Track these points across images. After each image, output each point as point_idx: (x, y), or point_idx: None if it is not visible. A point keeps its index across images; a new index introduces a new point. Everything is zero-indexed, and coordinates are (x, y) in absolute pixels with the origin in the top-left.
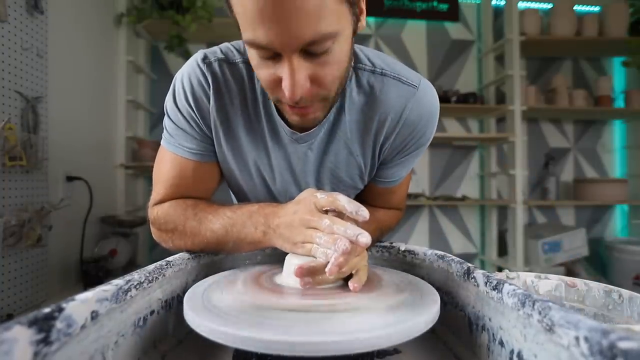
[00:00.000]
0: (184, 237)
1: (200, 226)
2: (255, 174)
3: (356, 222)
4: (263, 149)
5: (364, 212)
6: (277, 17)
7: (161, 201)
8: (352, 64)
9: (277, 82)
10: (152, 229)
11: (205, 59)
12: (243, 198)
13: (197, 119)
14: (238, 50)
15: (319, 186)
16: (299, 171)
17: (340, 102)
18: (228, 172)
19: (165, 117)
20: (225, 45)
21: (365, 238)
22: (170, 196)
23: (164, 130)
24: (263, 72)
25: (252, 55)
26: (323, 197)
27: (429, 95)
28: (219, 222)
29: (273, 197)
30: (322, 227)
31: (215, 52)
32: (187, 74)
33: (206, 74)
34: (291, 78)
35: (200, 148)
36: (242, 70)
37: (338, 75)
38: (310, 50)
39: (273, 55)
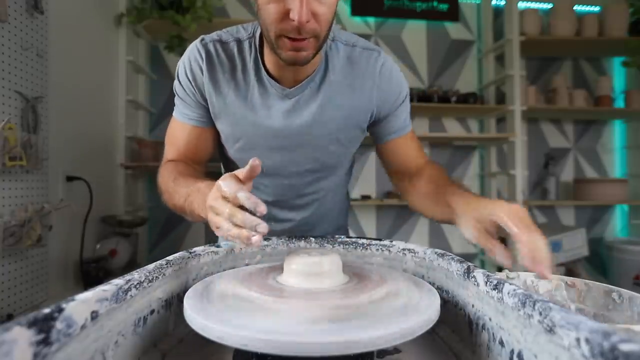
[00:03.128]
0: (166, 196)
1: (175, 190)
2: (243, 131)
3: None
4: (251, 109)
5: (261, 208)
6: None
7: (168, 160)
8: (332, 35)
9: (285, 14)
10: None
11: (202, 40)
12: (233, 153)
13: (194, 90)
14: (230, 34)
15: (307, 138)
16: (284, 126)
17: (325, 65)
18: (222, 132)
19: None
20: (221, 30)
21: (263, 229)
22: (174, 155)
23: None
24: (272, 7)
25: None
26: (225, 190)
27: (389, 58)
28: (183, 191)
29: (259, 149)
30: (225, 216)
31: (212, 36)
32: (187, 54)
33: (201, 52)
34: (301, 5)
35: (196, 115)
36: (233, 47)
37: (329, 18)
38: None
39: None
